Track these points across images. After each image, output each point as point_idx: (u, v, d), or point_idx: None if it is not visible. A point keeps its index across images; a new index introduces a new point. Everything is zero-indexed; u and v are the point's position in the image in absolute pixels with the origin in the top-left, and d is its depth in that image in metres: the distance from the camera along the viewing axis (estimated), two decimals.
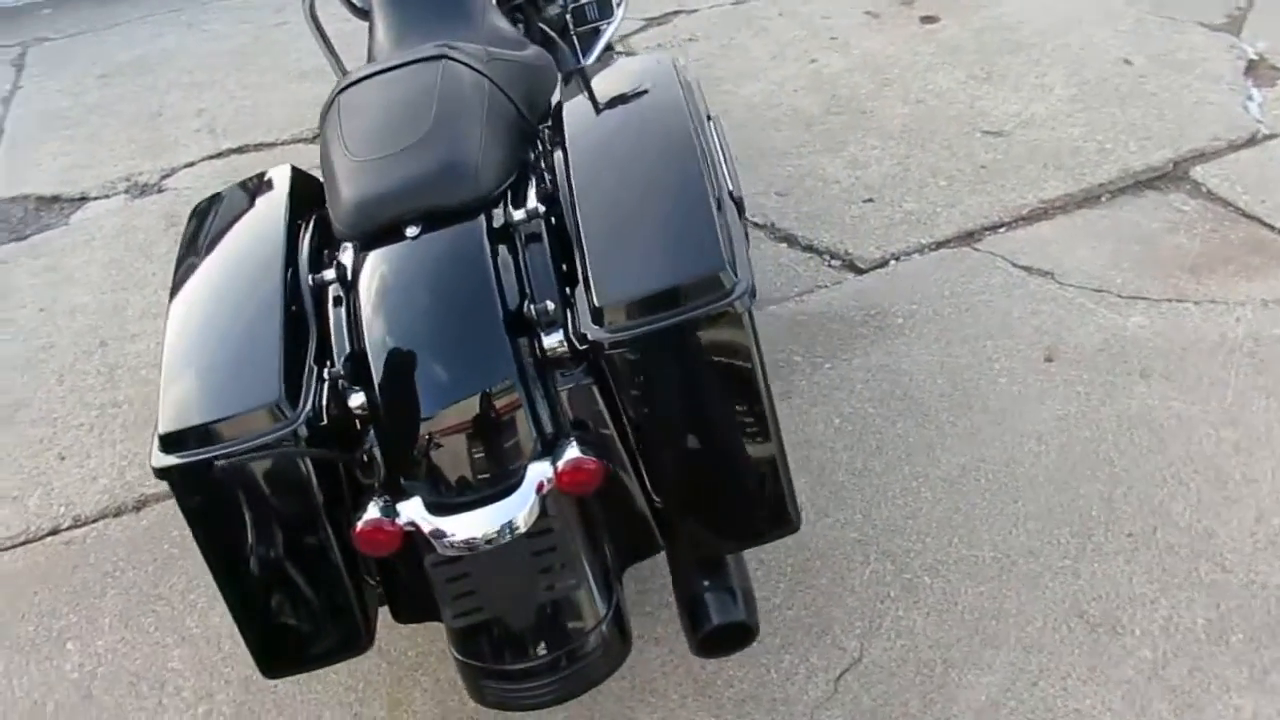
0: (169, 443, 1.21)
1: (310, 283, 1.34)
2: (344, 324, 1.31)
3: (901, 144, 2.68)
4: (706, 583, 1.34)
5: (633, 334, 1.19)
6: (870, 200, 2.50)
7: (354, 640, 1.31)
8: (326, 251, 1.41)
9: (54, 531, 1.94)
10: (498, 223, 1.30)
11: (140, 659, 1.69)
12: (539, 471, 1.19)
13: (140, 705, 1.62)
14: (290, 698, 1.60)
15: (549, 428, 1.23)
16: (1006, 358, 2.01)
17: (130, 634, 1.73)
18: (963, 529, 1.71)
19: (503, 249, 1.29)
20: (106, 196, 2.96)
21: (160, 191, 2.93)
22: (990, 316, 2.11)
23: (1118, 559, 1.63)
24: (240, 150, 3.08)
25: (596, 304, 1.20)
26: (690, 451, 1.25)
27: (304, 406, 1.22)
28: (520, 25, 2.16)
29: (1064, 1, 3.22)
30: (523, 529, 1.18)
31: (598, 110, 1.46)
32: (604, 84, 1.51)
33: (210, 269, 1.40)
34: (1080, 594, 1.59)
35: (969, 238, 2.35)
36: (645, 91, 1.46)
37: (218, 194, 1.56)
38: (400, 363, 1.22)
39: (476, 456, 1.22)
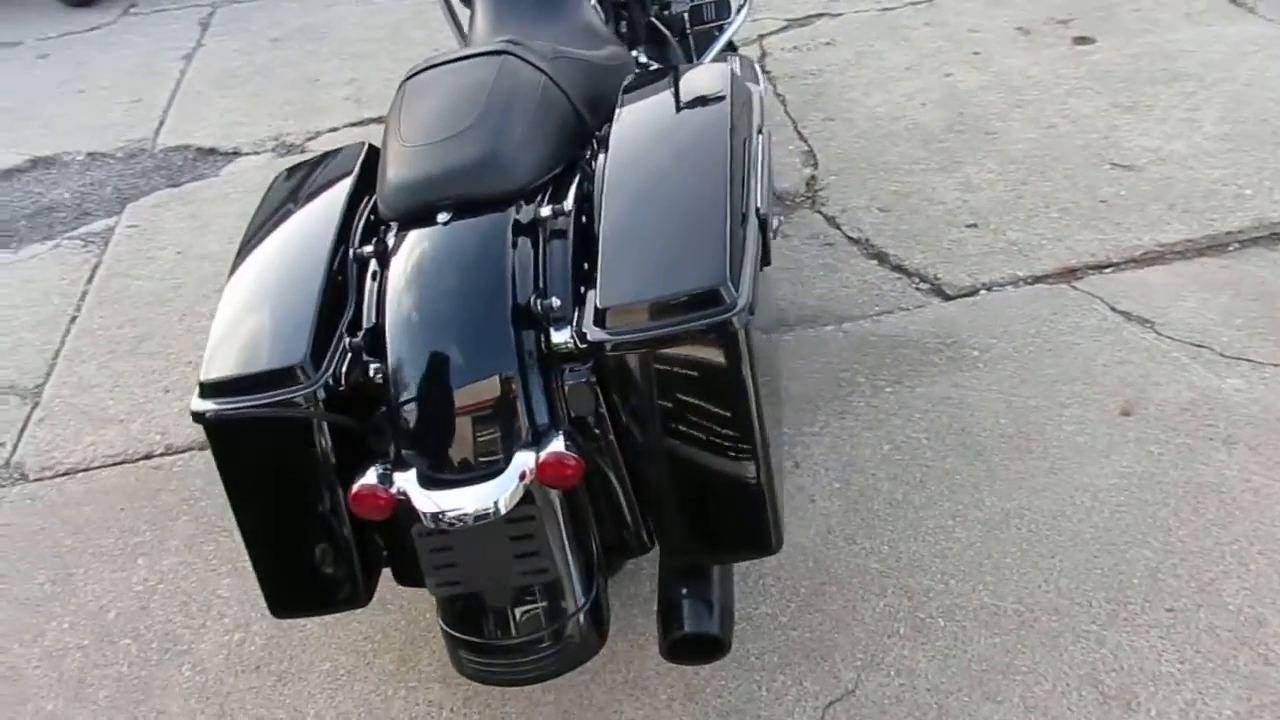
0: (205, 390, 1.32)
1: (353, 256, 1.43)
2: (374, 298, 1.39)
3: (1020, 169, 2.57)
4: (685, 590, 1.35)
5: (628, 338, 1.21)
6: (973, 225, 2.41)
7: (352, 595, 1.39)
8: (383, 228, 1.50)
9: (148, 456, 2.14)
10: (526, 217, 1.35)
11: (195, 581, 1.85)
12: (524, 460, 1.23)
13: (187, 624, 1.77)
14: (315, 638, 1.71)
15: (542, 419, 1.27)
16: (1080, 405, 1.91)
17: (192, 558, 1.89)
18: (990, 576, 1.64)
19: (525, 242, 1.33)
20: (255, 153, 3.19)
21: (302, 152, 3.13)
22: (1073, 360, 2.01)
23: (1150, 633, 1.53)
24: (379, 120, 3.24)
25: (599, 304, 1.23)
26: (671, 460, 1.26)
27: (326, 371, 1.30)
28: (623, 22, 2.20)
29: (1243, 31, 2.99)
30: (502, 512, 1.22)
31: (646, 114, 1.48)
32: (661, 88, 1.53)
33: (273, 235, 1.51)
34: (1100, 663, 1.50)
35: (1070, 275, 2.23)
36: (696, 100, 1.48)
37: (299, 164, 1.67)
38: (412, 341, 1.29)
39: (470, 438, 1.27)
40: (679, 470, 1.27)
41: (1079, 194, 2.45)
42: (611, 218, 1.31)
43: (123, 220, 2.93)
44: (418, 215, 1.36)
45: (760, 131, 1.51)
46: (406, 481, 1.25)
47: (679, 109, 1.47)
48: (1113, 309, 2.12)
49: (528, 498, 1.24)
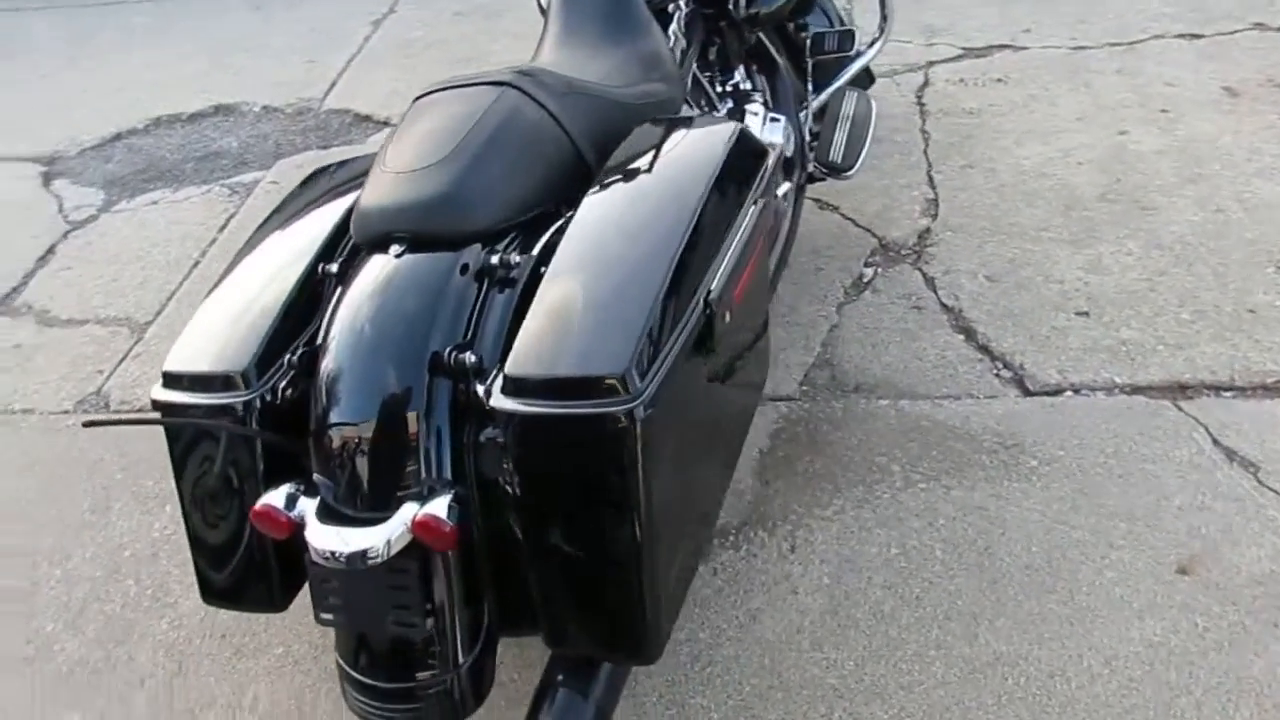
0: (165, 379, 1.37)
1: (320, 273, 1.43)
2: (325, 319, 1.39)
3: (1165, 256, 2.25)
4: (563, 678, 1.29)
5: (523, 410, 1.15)
6: (1085, 313, 2.14)
7: (267, 601, 1.42)
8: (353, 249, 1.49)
9: None
10: (476, 262, 1.31)
11: None
12: (409, 512, 1.21)
13: (180, 579, 1.86)
14: (279, 621, 1.77)
15: (437, 473, 1.23)
16: (1132, 549, 1.66)
17: None
18: None
19: (466, 288, 1.29)
20: None
21: None
22: (1143, 494, 1.74)
23: None
24: None
25: (505, 370, 1.17)
26: (550, 543, 1.19)
27: (266, 383, 1.32)
28: (713, 48, 2.08)
29: None
30: (378, 560, 1.20)
31: (631, 169, 1.39)
32: (658, 141, 1.43)
33: (273, 235, 1.54)
34: None
35: (1178, 391, 1.93)
36: (684, 161, 1.38)
37: (326, 166, 1.70)
38: (336, 369, 1.28)
39: (367, 478, 1.25)
40: (557, 555, 1.20)
41: (1224, 297, 2.12)
42: (553, 278, 1.25)
43: (269, 175, 3.12)
44: (374, 243, 1.34)
45: (757, 201, 1.39)
46: (307, 508, 1.26)
47: (663, 168, 1.38)
48: (1215, 441, 1.82)
49: (413, 549, 1.22)
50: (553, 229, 1.37)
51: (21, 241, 2.94)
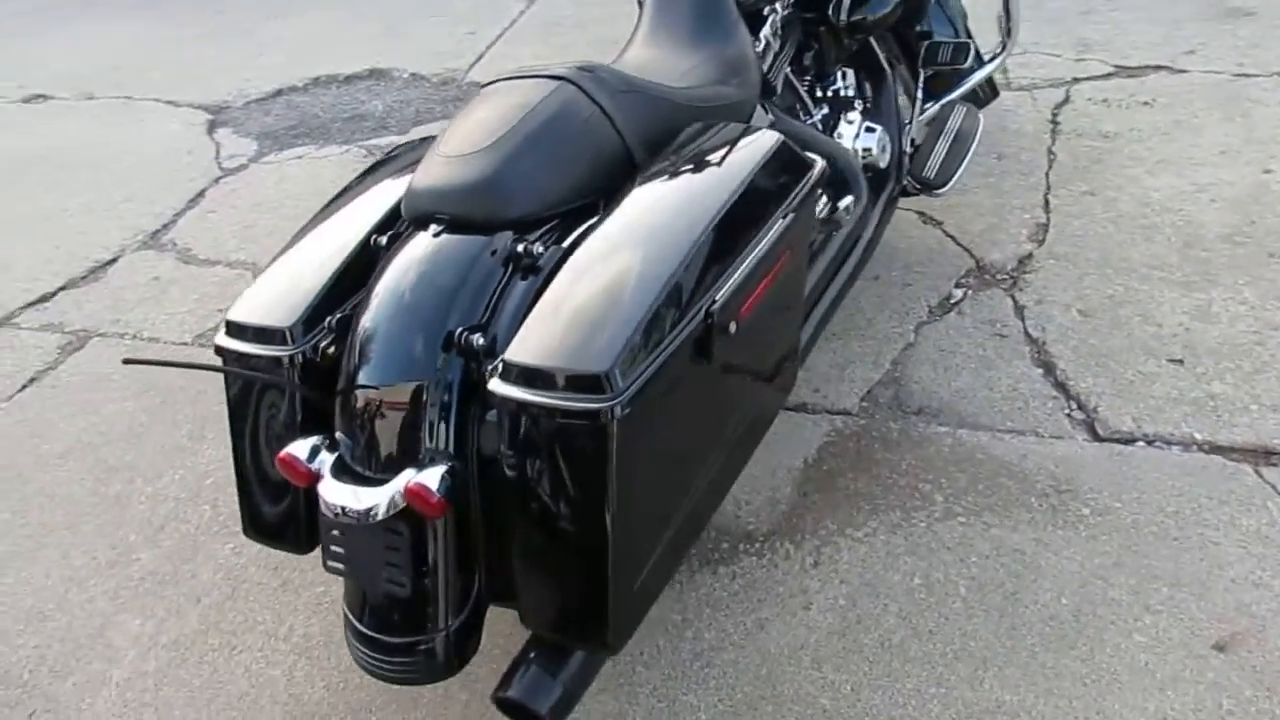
0: (228, 327, 1.50)
1: (372, 245, 1.52)
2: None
3: None
4: (535, 655, 1.33)
5: (513, 395, 1.20)
6: (1178, 361, 2.01)
7: (294, 542, 1.53)
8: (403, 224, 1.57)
9: None
10: (504, 248, 1.36)
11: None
12: (406, 477, 1.28)
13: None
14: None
15: (441, 444, 1.30)
16: (1170, 616, 1.56)
17: None
18: None
19: (491, 272, 1.35)
20: None
21: None
22: (1196, 560, 1.64)
23: None
24: None
25: (505, 356, 1.22)
26: (527, 525, 1.24)
27: (308, 341, 1.42)
28: (810, 52, 2.05)
29: None
30: (376, 519, 1.28)
31: (668, 172, 1.41)
32: (702, 146, 1.44)
33: (344, 205, 1.64)
34: None
35: (1262, 456, 1.79)
36: (717, 169, 1.38)
37: (399, 147, 1.79)
38: (364, 335, 1.36)
39: (378, 441, 1.33)
40: (534, 538, 1.25)
41: None
42: (568, 272, 1.29)
43: (404, 140, 3.28)
44: (419, 221, 1.42)
45: (786, 216, 1.38)
46: (325, 462, 1.35)
47: (694, 174, 1.39)
48: None
49: (408, 513, 1.29)
50: (588, 224, 1.41)
51: (180, 184, 3.21)
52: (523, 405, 1.18)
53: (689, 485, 1.33)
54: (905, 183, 2.16)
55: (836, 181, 2.01)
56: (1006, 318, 2.20)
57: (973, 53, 2.23)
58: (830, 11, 1.99)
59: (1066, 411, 1.96)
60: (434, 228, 1.38)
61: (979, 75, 2.35)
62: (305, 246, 1.54)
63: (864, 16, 2.02)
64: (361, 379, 1.34)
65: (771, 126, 1.92)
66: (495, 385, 1.21)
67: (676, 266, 1.24)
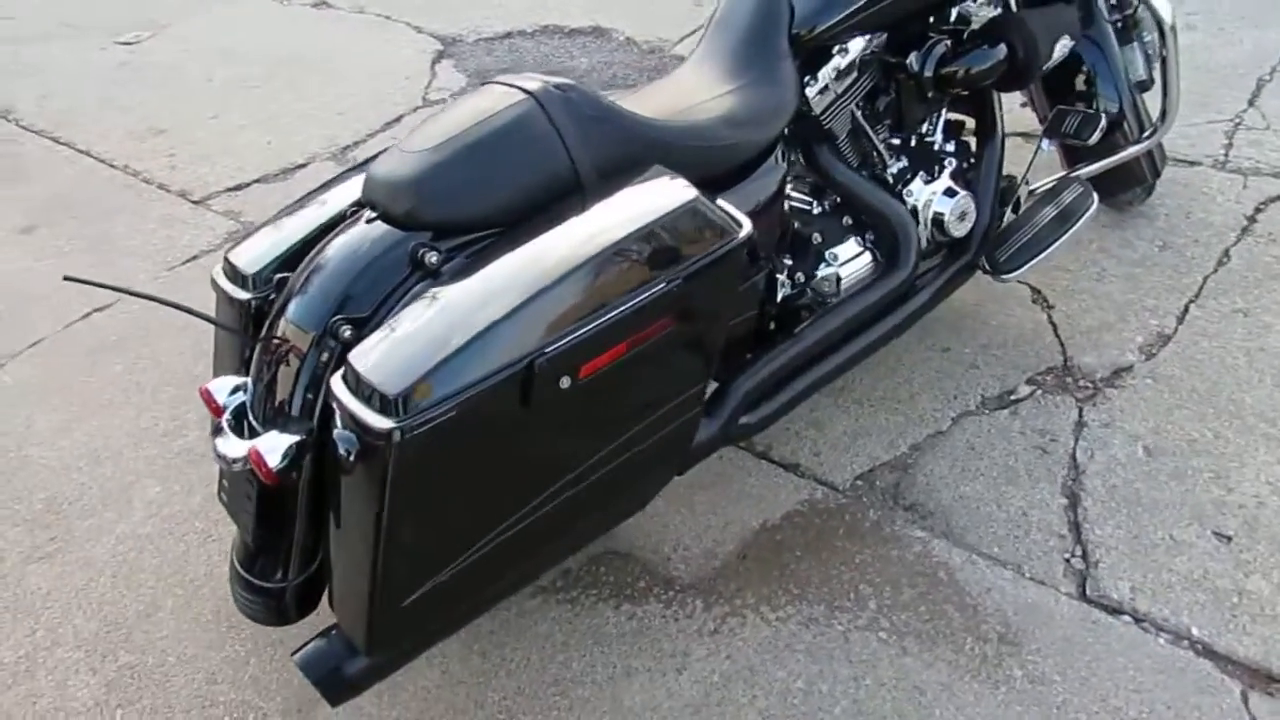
0: (224, 263, 1.67)
1: (347, 216, 1.61)
2: None
3: None
4: (334, 632, 1.41)
5: (338, 396, 1.25)
6: (1225, 538, 1.69)
7: None
8: None
9: None
10: (416, 249, 1.40)
11: None
12: (260, 440, 1.39)
13: None
14: None
15: (300, 416, 1.38)
16: None
17: None
18: None
19: (393, 269, 1.38)
20: None
21: None
22: None
23: None
24: None
25: (349, 355, 1.28)
26: (333, 515, 1.32)
27: (262, 291, 1.55)
28: (888, 98, 1.86)
29: None
30: (238, 468, 1.40)
31: (579, 208, 1.38)
32: (628, 189, 1.39)
33: (351, 176, 1.74)
34: None
35: (1259, 679, 1.49)
36: (617, 215, 1.34)
37: None
38: (282, 299, 1.45)
39: (266, 397, 1.43)
40: (335, 526, 1.31)
41: None
42: (436, 287, 1.32)
43: None
44: (363, 204, 1.50)
45: (675, 281, 1.31)
46: (232, 403, 1.49)
47: (593, 218, 1.35)
48: None
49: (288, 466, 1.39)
50: (485, 243, 1.41)
51: (385, 106, 3.50)
52: (340, 406, 1.25)
53: (498, 525, 1.33)
54: (977, 258, 1.94)
55: (882, 241, 1.86)
56: (1061, 432, 1.94)
57: (1101, 128, 1.93)
58: (910, 61, 1.81)
59: (1066, 556, 1.72)
60: (368, 214, 1.45)
61: (1118, 156, 2.04)
62: (303, 206, 1.66)
63: (957, 70, 1.81)
64: (263, 336, 1.45)
65: (794, 175, 1.80)
66: (334, 380, 1.28)
67: (512, 309, 1.24)
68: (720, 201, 1.50)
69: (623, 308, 1.29)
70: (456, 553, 1.31)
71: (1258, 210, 2.42)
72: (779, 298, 1.78)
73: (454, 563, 1.31)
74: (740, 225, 1.39)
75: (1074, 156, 2.14)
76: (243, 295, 1.51)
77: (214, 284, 1.58)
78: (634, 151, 1.50)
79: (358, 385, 1.23)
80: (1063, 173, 2.08)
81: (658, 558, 1.81)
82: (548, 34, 3.89)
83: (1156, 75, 2.15)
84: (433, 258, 1.38)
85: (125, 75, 3.90)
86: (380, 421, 1.18)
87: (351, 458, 1.23)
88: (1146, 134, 2.06)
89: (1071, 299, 2.24)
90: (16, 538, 2.00)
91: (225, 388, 1.48)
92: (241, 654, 1.74)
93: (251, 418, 1.43)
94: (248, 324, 1.51)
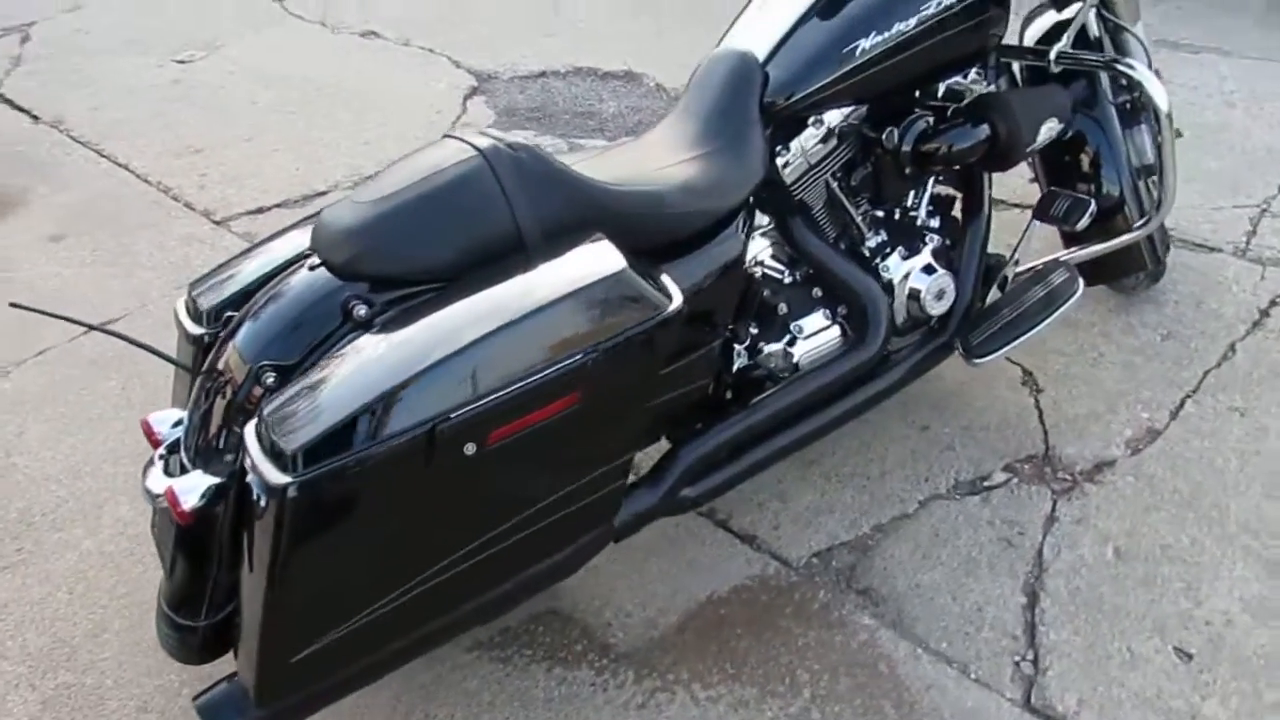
0: (188, 292, 1.67)
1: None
2: None
3: None
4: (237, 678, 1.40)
5: (247, 445, 1.26)
6: (1187, 656, 1.61)
7: None
8: None
9: None
10: (349, 300, 1.40)
11: None
12: (181, 479, 1.39)
13: None
14: None
15: (224, 460, 1.39)
16: None
17: None
18: None
19: (325, 319, 1.38)
20: None
21: None
22: None
23: None
24: None
25: (264, 406, 1.28)
26: (237, 560, 1.32)
27: (212, 328, 1.56)
28: (865, 171, 1.82)
29: None
30: (160, 504, 1.40)
31: (505, 274, 1.36)
32: (561, 255, 1.37)
33: None
34: None
35: None
36: (540, 282, 1.33)
37: None
38: (223, 339, 1.47)
39: (194, 434, 1.44)
40: (244, 570, 1.31)
41: None
42: (363, 341, 1.32)
43: (602, 144, 3.37)
44: (312, 250, 1.50)
45: (593, 353, 1.28)
46: (171, 436, 1.50)
47: (518, 283, 1.34)
48: None
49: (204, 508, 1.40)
50: (416, 300, 1.40)
51: (409, 139, 3.52)
52: (248, 454, 1.25)
53: (397, 587, 1.32)
54: (954, 339, 1.88)
55: (853, 316, 1.82)
56: (1031, 525, 1.86)
57: (1090, 213, 1.86)
58: (887, 136, 1.77)
59: (1017, 658, 1.65)
60: (312, 260, 1.46)
61: (1111, 243, 1.97)
62: (268, 244, 1.68)
63: (938, 148, 1.77)
64: (200, 375, 1.46)
65: (771, 242, 1.77)
66: (248, 427, 1.28)
67: (420, 370, 1.24)
68: (664, 272, 1.49)
69: (536, 377, 1.27)
70: (352, 612, 1.30)
71: (1272, 304, 2.31)
72: (735, 367, 1.75)
73: (348, 622, 1.30)
74: (669, 300, 1.37)
75: (1071, 238, 2.07)
76: (196, 330, 1.53)
77: (175, 316, 1.60)
78: (582, 215, 1.48)
79: (264, 435, 1.23)
80: (1056, 254, 2.02)
81: (598, 622, 1.78)
82: (581, 75, 3.92)
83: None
84: (361, 310, 1.38)
85: (175, 93, 4.02)
86: (275, 476, 1.19)
87: (261, 504, 1.23)
88: (1140, 222, 1.99)
89: (1063, 384, 2.16)
90: None
91: (168, 420, 1.51)
92: (175, 684, 1.74)
93: (183, 452, 1.44)
94: (199, 359, 1.53)
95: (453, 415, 1.23)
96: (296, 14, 4.62)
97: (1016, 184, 2.64)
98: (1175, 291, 2.38)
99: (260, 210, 3.21)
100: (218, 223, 3.16)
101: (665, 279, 1.44)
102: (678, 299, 1.37)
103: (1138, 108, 2.06)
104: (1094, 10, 2.02)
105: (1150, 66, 2.01)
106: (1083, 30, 2.04)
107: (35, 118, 3.81)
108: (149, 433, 1.52)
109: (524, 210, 1.44)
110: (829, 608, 1.77)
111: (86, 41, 4.47)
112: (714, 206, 1.62)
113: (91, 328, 1.54)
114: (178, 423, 1.50)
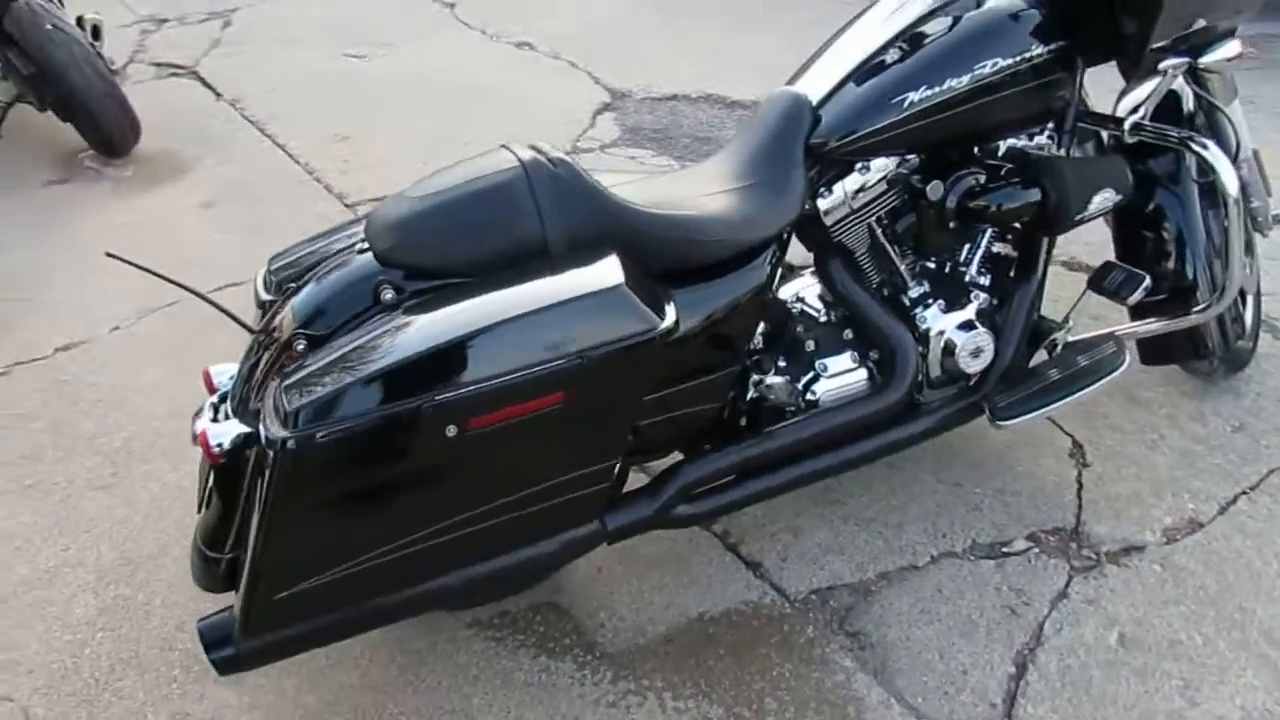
0: (269, 261, 1.87)
1: None
2: None
3: None
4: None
5: (270, 399, 1.41)
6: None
7: None
8: None
9: None
10: (380, 285, 1.54)
11: None
12: (218, 424, 1.56)
13: None
14: None
15: (253, 408, 1.54)
16: None
17: None
18: None
19: (361, 297, 1.53)
20: None
21: None
22: None
23: None
24: None
25: (289, 369, 1.43)
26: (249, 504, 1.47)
27: (276, 296, 1.74)
28: (910, 220, 1.82)
29: None
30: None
31: (522, 278, 1.46)
32: (574, 265, 1.47)
33: None
34: None
35: None
36: (542, 289, 1.42)
37: None
38: (277, 306, 1.64)
39: (241, 385, 1.60)
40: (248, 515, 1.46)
41: None
42: (387, 323, 1.45)
43: None
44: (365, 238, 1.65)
45: (581, 360, 1.37)
46: (225, 386, 1.68)
47: (537, 290, 1.43)
48: None
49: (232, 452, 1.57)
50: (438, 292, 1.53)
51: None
52: (263, 409, 1.40)
53: (376, 547, 1.43)
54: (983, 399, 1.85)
55: (881, 361, 1.83)
56: (1039, 597, 1.82)
57: (1144, 289, 1.80)
58: (930, 189, 1.77)
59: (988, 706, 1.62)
60: (361, 244, 1.61)
61: (1165, 324, 1.89)
62: (342, 229, 1.85)
63: (986, 206, 1.76)
64: (255, 334, 1.63)
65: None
66: (272, 386, 1.43)
67: (417, 354, 1.35)
68: (675, 295, 1.56)
69: (519, 374, 1.37)
70: (333, 563, 1.43)
71: None
72: (750, 395, 1.79)
73: (330, 571, 1.43)
74: (660, 321, 1.43)
75: (1137, 311, 2.00)
76: (265, 296, 1.71)
77: (253, 284, 1.79)
78: (608, 230, 1.57)
79: (278, 394, 1.38)
80: (1114, 328, 1.96)
81: (591, 621, 1.86)
82: (710, 102, 4.01)
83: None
84: (389, 294, 1.52)
85: (341, 84, 4.35)
86: (277, 430, 1.33)
87: (267, 454, 1.38)
88: (1200, 306, 1.91)
89: (1112, 461, 2.09)
90: (93, 465, 2.30)
91: (226, 373, 1.69)
92: (210, 610, 1.93)
93: (229, 402, 1.62)
94: (260, 322, 1.71)
95: (438, 398, 1.35)
96: (464, 21, 4.92)
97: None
98: (1260, 383, 2.26)
99: (382, 199, 3.45)
100: (348, 205, 3.42)
101: (670, 302, 1.52)
102: (668, 321, 1.44)
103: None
104: (1189, 86, 1.96)
105: (1240, 148, 1.93)
106: (1179, 103, 1.99)
107: (219, 94, 4.22)
108: (208, 382, 1.70)
109: (553, 220, 1.54)
110: (814, 643, 1.79)
111: (278, 31, 4.89)
112: (742, 238, 1.68)
113: (173, 283, 1.74)
114: (233, 376, 1.67)
